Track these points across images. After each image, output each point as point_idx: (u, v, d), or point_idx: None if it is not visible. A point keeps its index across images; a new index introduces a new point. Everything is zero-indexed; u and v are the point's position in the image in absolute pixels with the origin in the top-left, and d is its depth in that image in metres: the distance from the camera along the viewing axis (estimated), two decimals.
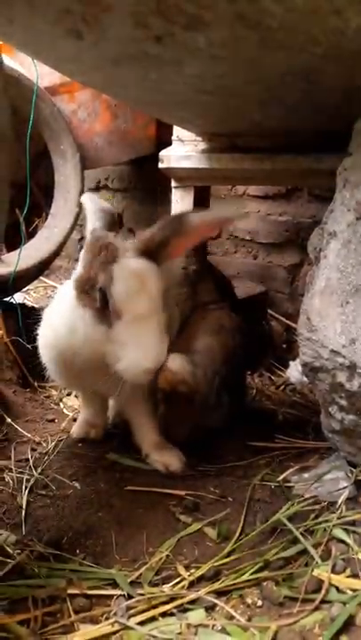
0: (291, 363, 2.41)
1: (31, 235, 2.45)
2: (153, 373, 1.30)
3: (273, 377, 2.37)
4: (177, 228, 1.37)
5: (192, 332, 1.63)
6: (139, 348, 1.27)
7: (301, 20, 1.02)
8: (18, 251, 2.22)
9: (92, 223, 1.41)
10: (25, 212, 2.25)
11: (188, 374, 1.41)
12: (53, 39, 1.27)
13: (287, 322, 2.69)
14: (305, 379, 2.11)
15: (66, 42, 1.26)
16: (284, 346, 2.63)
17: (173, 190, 2.34)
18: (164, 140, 2.52)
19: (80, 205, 2.41)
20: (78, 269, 1.39)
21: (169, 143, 2.28)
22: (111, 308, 1.28)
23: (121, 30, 1.17)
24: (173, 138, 2.24)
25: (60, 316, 1.42)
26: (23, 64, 2.32)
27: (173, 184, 2.33)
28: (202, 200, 2.38)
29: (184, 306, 1.65)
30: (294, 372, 2.30)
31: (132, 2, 1.04)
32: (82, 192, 2.42)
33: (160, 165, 2.25)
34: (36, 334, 1.55)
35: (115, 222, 1.46)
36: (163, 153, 2.24)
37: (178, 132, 2.21)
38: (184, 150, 2.19)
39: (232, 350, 1.69)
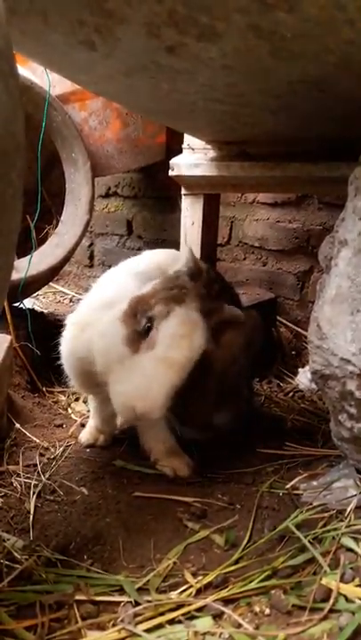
0: (300, 370, 2.40)
1: (41, 241, 2.48)
2: (133, 415, 1.25)
3: (282, 384, 2.37)
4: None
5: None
6: (144, 386, 1.25)
7: (315, 30, 1.02)
8: (28, 257, 2.24)
9: (183, 264, 1.45)
10: (36, 218, 2.28)
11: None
12: (66, 50, 1.29)
13: (296, 328, 2.69)
14: (314, 386, 2.11)
15: (79, 52, 1.28)
16: (293, 353, 2.63)
17: (183, 198, 2.35)
18: (174, 148, 2.54)
19: (91, 213, 2.45)
20: (143, 288, 1.40)
21: (179, 151, 2.30)
22: (150, 338, 1.29)
23: (134, 41, 1.18)
24: (184, 146, 2.26)
25: (104, 322, 1.42)
26: (35, 72, 2.35)
27: (183, 191, 2.34)
28: (211, 207, 2.40)
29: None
30: (303, 378, 2.30)
31: (146, 13, 1.06)
32: (92, 199, 2.44)
33: (170, 173, 2.27)
34: (48, 342, 1.57)
35: (199, 274, 1.47)
36: (173, 161, 2.26)
37: (188, 140, 2.23)
38: (194, 158, 2.20)
39: (248, 344, 1.70)
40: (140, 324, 1.31)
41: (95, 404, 1.67)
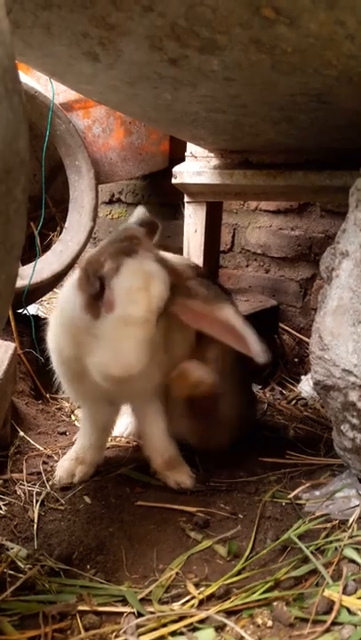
0: (302, 377, 2.40)
1: (46, 248, 2.49)
2: (116, 382, 1.20)
3: (284, 391, 2.37)
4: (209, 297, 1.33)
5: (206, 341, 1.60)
6: (114, 350, 1.18)
7: (316, 44, 1.03)
8: (32, 264, 2.26)
9: (129, 221, 1.39)
10: (40, 225, 2.29)
11: (204, 374, 1.39)
12: (70, 61, 1.30)
13: (299, 336, 2.70)
14: (316, 394, 2.11)
15: (82, 63, 1.29)
16: (296, 360, 2.63)
17: (186, 205, 2.36)
18: (177, 156, 2.55)
19: (94, 220, 2.46)
20: (93, 250, 1.33)
21: (182, 159, 2.31)
22: (106, 299, 1.20)
23: (137, 53, 1.20)
24: (187, 154, 2.27)
25: (60, 296, 1.38)
26: (39, 80, 2.37)
27: (186, 199, 2.35)
28: (214, 215, 2.41)
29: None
30: (306, 386, 2.30)
31: (148, 26, 1.07)
32: (96, 206, 2.45)
33: (173, 181, 2.28)
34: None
35: (153, 228, 1.41)
36: (176, 169, 2.27)
37: (191, 148, 2.24)
38: (197, 166, 2.22)
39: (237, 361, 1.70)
40: (93, 287, 1.21)
41: (87, 415, 1.55)
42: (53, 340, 1.41)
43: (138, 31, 1.11)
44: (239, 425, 1.67)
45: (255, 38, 1.05)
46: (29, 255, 2.36)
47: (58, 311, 1.37)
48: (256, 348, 1.24)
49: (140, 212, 1.44)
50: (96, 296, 1.21)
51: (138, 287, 1.20)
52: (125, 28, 1.10)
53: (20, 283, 2.20)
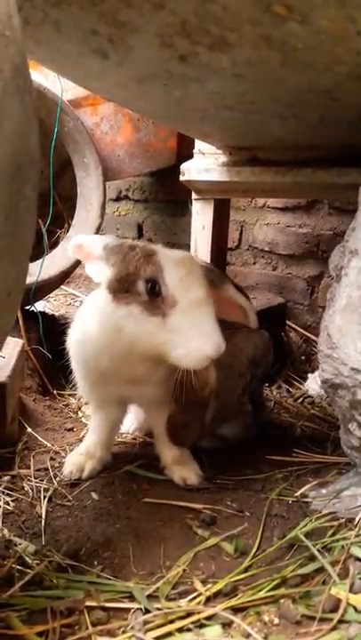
0: (309, 375, 2.40)
1: (53, 245, 2.49)
2: (208, 361, 1.28)
3: (291, 389, 2.36)
4: (216, 277, 1.40)
5: None
6: (200, 335, 1.26)
7: (326, 41, 1.03)
8: (40, 261, 2.26)
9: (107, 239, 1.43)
10: (48, 222, 2.30)
11: (210, 366, 1.40)
12: (79, 58, 1.30)
13: (306, 333, 2.69)
14: (323, 392, 2.11)
15: (91, 61, 1.29)
16: (303, 358, 2.63)
17: (194, 202, 2.36)
18: (184, 153, 2.56)
19: (102, 217, 2.47)
20: (108, 272, 1.36)
21: (190, 156, 2.31)
22: (165, 295, 1.28)
23: (146, 50, 1.20)
24: (195, 151, 2.27)
25: (96, 324, 1.38)
26: (48, 77, 2.37)
27: (194, 196, 2.35)
28: (222, 212, 2.40)
29: None
30: (313, 384, 2.30)
31: (158, 23, 1.07)
32: (104, 203, 2.45)
33: (181, 178, 2.27)
34: (59, 344, 1.55)
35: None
36: (184, 166, 2.27)
37: (199, 145, 2.24)
38: (205, 163, 2.21)
39: (255, 360, 1.71)
40: (143, 292, 1.29)
41: (98, 414, 1.58)
42: (87, 353, 1.44)
43: (148, 28, 1.11)
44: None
45: (265, 35, 1.05)
46: (37, 252, 2.36)
47: (103, 338, 1.37)
48: (253, 319, 1.55)
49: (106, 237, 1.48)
50: (150, 300, 1.29)
51: (186, 273, 1.30)
52: (135, 26, 1.10)
53: (27, 279, 2.20)
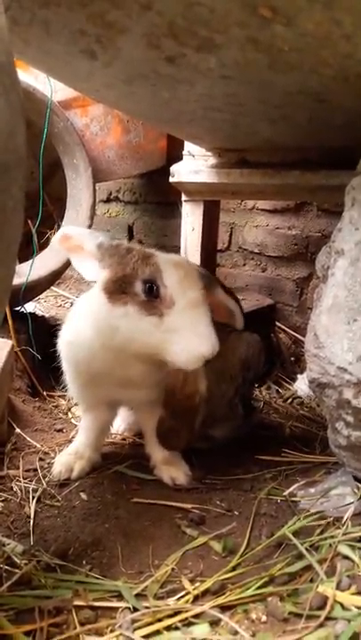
0: (299, 376, 2.41)
1: (43, 246, 2.49)
2: (203, 360, 1.30)
3: (281, 390, 2.38)
4: (206, 281, 1.42)
5: None
6: (195, 334, 1.29)
7: (312, 43, 1.04)
8: (29, 262, 2.26)
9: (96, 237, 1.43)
10: (37, 223, 2.29)
11: (200, 375, 1.41)
12: (67, 59, 1.30)
13: (295, 334, 2.71)
14: (312, 392, 2.12)
15: (80, 61, 1.30)
16: (293, 359, 2.64)
17: (183, 204, 2.37)
18: (174, 155, 2.56)
19: (92, 218, 2.47)
20: (103, 274, 1.37)
21: (180, 157, 2.32)
22: (163, 296, 1.31)
23: (134, 51, 1.20)
24: (184, 152, 2.28)
25: (90, 325, 1.39)
26: (37, 78, 2.37)
27: (184, 198, 2.36)
28: (212, 214, 2.41)
29: None
30: (302, 385, 2.31)
31: (146, 25, 1.07)
32: (94, 204, 2.45)
33: (171, 179, 2.28)
34: (49, 345, 1.55)
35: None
36: (174, 167, 2.28)
37: (189, 146, 2.25)
38: (195, 165, 2.22)
39: (247, 363, 1.72)
40: (140, 293, 1.32)
41: (88, 416, 1.58)
42: (79, 354, 1.45)
43: (136, 29, 1.11)
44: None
45: (252, 37, 1.05)
46: (27, 253, 2.36)
47: (97, 338, 1.38)
48: (240, 322, 1.61)
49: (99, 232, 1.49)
50: (148, 300, 1.31)
51: (184, 275, 1.34)
52: (123, 26, 1.11)
53: (17, 280, 2.20)
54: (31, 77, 2.35)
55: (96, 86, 1.54)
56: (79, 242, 1.41)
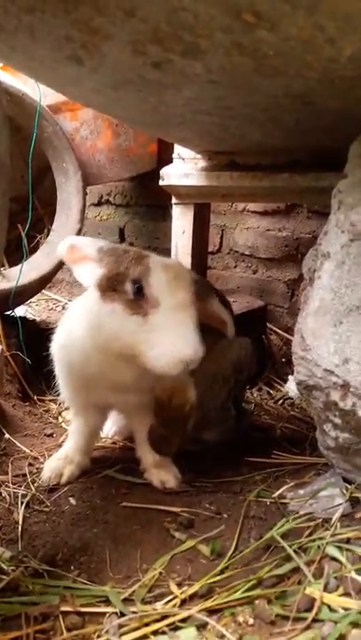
0: (290, 377, 2.42)
1: (33, 250, 2.49)
2: (186, 366, 1.26)
3: (272, 391, 2.38)
4: (202, 289, 1.43)
5: None
6: (178, 336, 1.26)
7: (296, 48, 1.05)
8: (19, 266, 2.25)
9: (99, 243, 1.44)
10: (27, 227, 2.29)
11: (189, 385, 1.41)
12: (54, 64, 1.30)
13: (286, 336, 2.71)
14: None
15: (66, 67, 1.30)
16: (284, 360, 2.65)
17: (174, 207, 2.37)
18: (164, 158, 2.57)
19: (82, 221, 2.47)
20: (99, 272, 1.38)
21: (170, 160, 2.32)
22: (148, 296, 1.29)
23: (120, 57, 1.20)
24: (174, 156, 2.28)
25: (83, 324, 1.40)
26: (26, 82, 2.37)
27: (174, 200, 2.36)
28: (202, 216, 2.42)
29: None
30: (293, 386, 2.31)
31: (130, 31, 1.07)
32: (84, 208, 2.45)
33: (161, 182, 2.29)
34: (40, 349, 1.55)
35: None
36: (164, 170, 2.28)
37: (178, 150, 2.25)
38: (184, 168, 2.23)
39: (239, 365, 1.72)
40: (129, 292, 1.31)
41: (79, 421, 1.58)
42: (72, 357, 1.45)
43: (120, 35, 1.11)
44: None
45: (237, 42, 1.06)
46: (17, 257, 2.36)
47: (88, 336, 1.38)
48: (231, 331, 1.61)
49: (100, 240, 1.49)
50: (135, 299, 1.31)
51: (173, 277, 1.33)
52: (108, 33, 1.11)
53: (7, 285, 2.20)
54: (20, 82, 2.35)
55: (84, 92, 1.55)
56: (84, 251, 1.41)
